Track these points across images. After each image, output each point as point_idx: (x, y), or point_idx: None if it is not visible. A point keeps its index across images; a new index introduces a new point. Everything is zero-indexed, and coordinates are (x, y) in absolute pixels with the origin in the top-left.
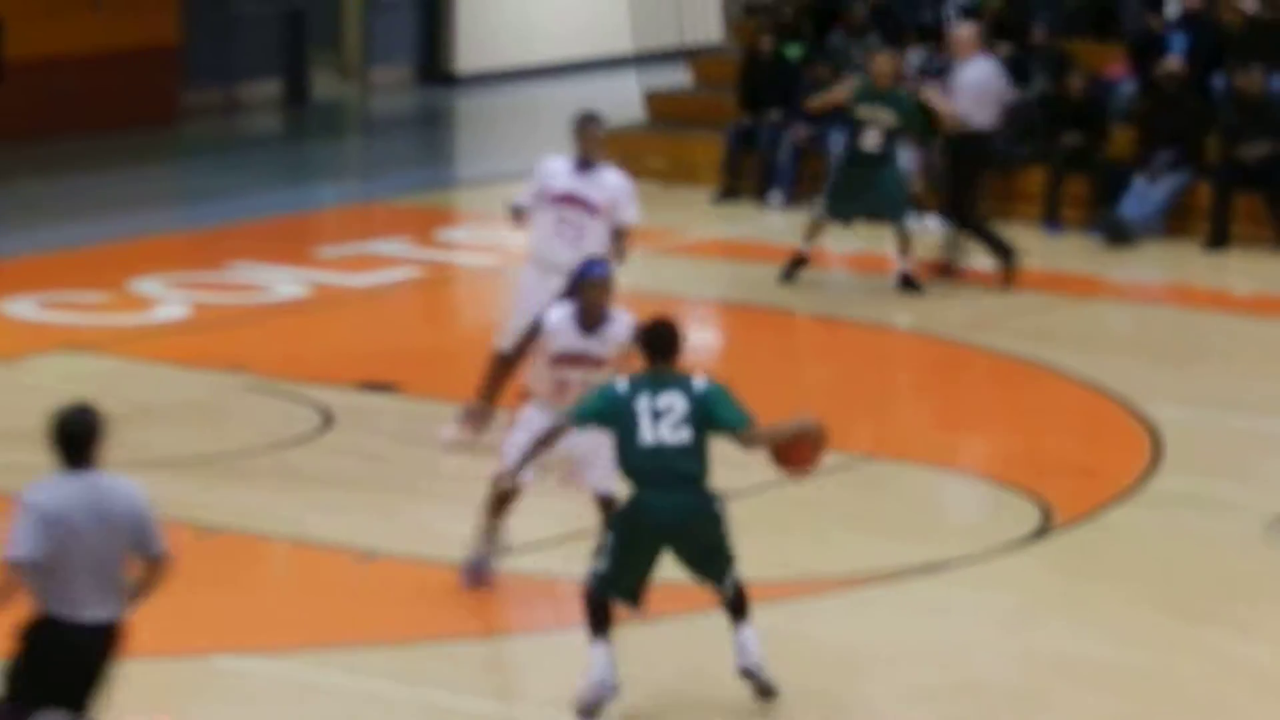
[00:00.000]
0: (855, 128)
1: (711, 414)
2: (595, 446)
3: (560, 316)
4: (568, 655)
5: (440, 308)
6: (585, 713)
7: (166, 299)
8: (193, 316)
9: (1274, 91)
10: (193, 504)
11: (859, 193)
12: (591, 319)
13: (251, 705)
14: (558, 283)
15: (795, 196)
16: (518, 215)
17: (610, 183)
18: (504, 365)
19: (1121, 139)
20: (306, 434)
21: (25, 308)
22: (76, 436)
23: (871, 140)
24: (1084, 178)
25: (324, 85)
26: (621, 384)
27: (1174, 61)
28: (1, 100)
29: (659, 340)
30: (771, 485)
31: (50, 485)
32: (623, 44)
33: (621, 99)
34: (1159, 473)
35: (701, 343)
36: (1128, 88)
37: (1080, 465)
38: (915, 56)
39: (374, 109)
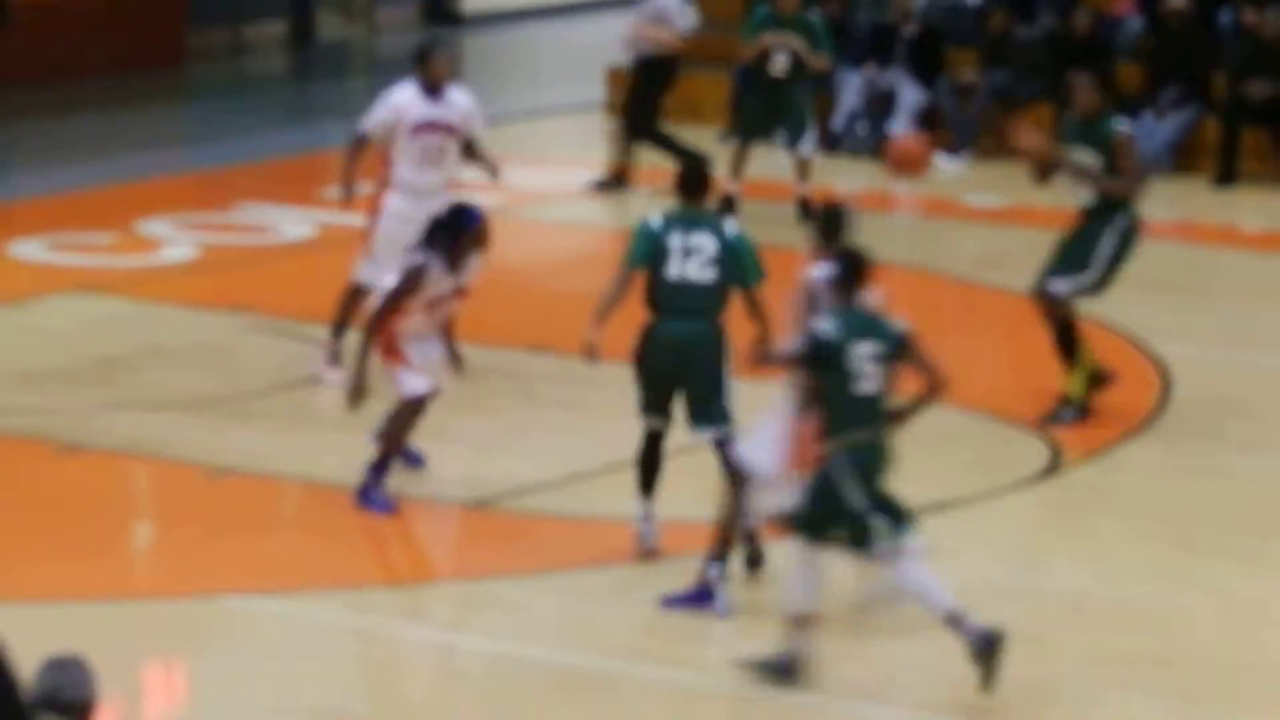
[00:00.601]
0: (762, 53)
1: (737, 261)
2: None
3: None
4: (571, 595)
5: None
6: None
7: (174, 240)
8: (200, 257)
9: None
10: (204, 445)
11: (766, 115)
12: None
13: (262, 645)
14: (429, 206)
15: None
16: (359, 143)
17: (460, 103)
18: (355, 296)
19: (1128, 76)
20: (316, 375)
21: (33, 249)
22: None
23: (779, 65)
24: None
25: (330, 25)
26: (656, 220)
27: None
28: (8, 44)
29: (693, 179)
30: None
31: None
32: None
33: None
34: (1167, 409)
35: None
36: (1134, 25)
37: (1090, 403)
38: None
39: (380, 49)
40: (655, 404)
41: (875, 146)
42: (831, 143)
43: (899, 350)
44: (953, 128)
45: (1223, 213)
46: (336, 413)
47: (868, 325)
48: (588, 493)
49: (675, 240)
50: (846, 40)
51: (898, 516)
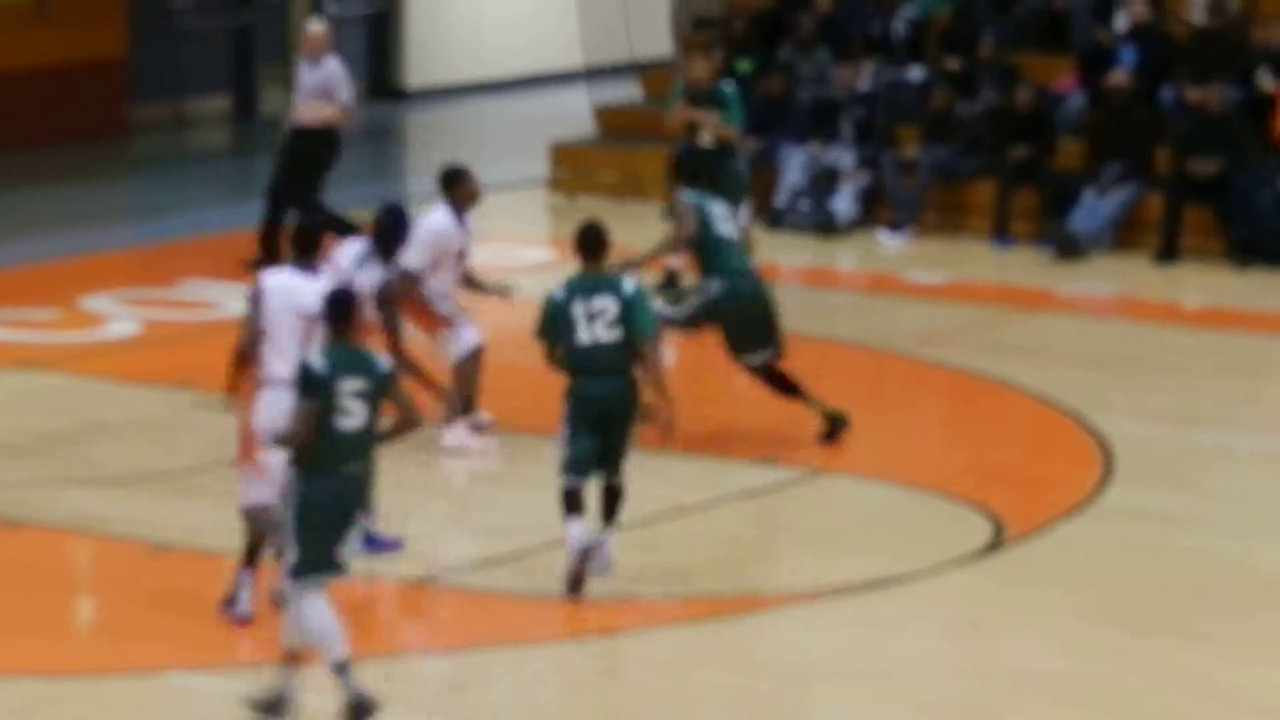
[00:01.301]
0: (690, 128)
1: (632, 316)
2: None
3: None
4: (526, 669)
5: None
6: (573, 584)
7: (117, 315)
8: (143, 333)
9: (1226, 106)
10: (145, 521)
11: (701, 190)
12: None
13: None
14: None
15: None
16: (410, 281)
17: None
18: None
19: (1071, 152)
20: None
21: None
22: None
23: (704, 138)
24: (1033, 191)
25: (273, 100)
26: (559, 291)
27: (1122, 74)
28: None
29: (591, 242)
30: (721, 500)
31: None
32: (573, 59)
33: (572, 113)
34: (1110, 486)
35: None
36: (1076, 100)
37: (1031, 478)
38: (866, 69)
39: None
40: (585, 466)
41: (819, 223)
42: (775, 219)
43: (383, 387)
44: (895, 204)
45: (1165, 289)
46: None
47: (356, 362)
48: (529, 569)
49: (579, 308)
50: (789, 116)
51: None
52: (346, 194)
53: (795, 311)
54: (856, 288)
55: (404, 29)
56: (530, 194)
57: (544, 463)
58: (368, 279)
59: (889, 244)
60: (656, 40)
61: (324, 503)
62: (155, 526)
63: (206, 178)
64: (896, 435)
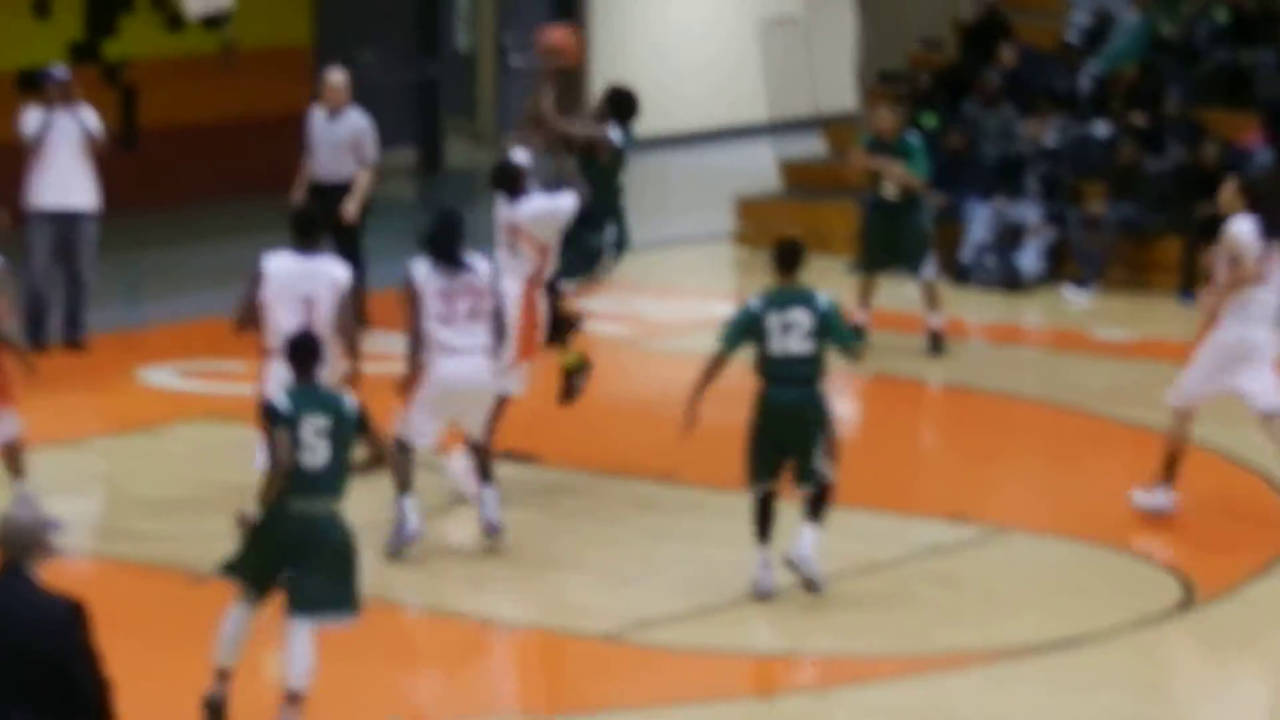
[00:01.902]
0: (874, 180)
1: (830, 329)
2: None
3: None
4: None
5: None
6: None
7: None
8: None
9: None
10: None
11: (885, 243)
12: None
13: None
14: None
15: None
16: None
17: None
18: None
19: None
20: (443, 505)
21: (165, 376)
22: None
23: (888, 189)
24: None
25: (458, 153)
26: (755, 301)
27: None
28: (135, 168)
29: (788, 256)
30: (910, 558)
31: None
32: (757, 112)
33: (756, 167)
34: None
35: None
36: (1263, 156)
37: (1220, 537)
38: (1052, 125)
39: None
40: (767, 474)
41: (1004, 279)
42: (960, 275)
43: (350, 426)
44: (1081, 260)
45: None
46: (478, 543)
47: (320, 400)
48: (715, 626)
49: (773, 319)
50: (974, 172)
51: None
52: None
53: (980, 367)
54: (1042, 344)
55: (587, 82)
56: (715, 248)
57: (724, 518)
58: None
59: (1075, 300)
60: (841, 94)
61: (274, 534)
62: None
63: (392, 230)
64: (1082, 493)
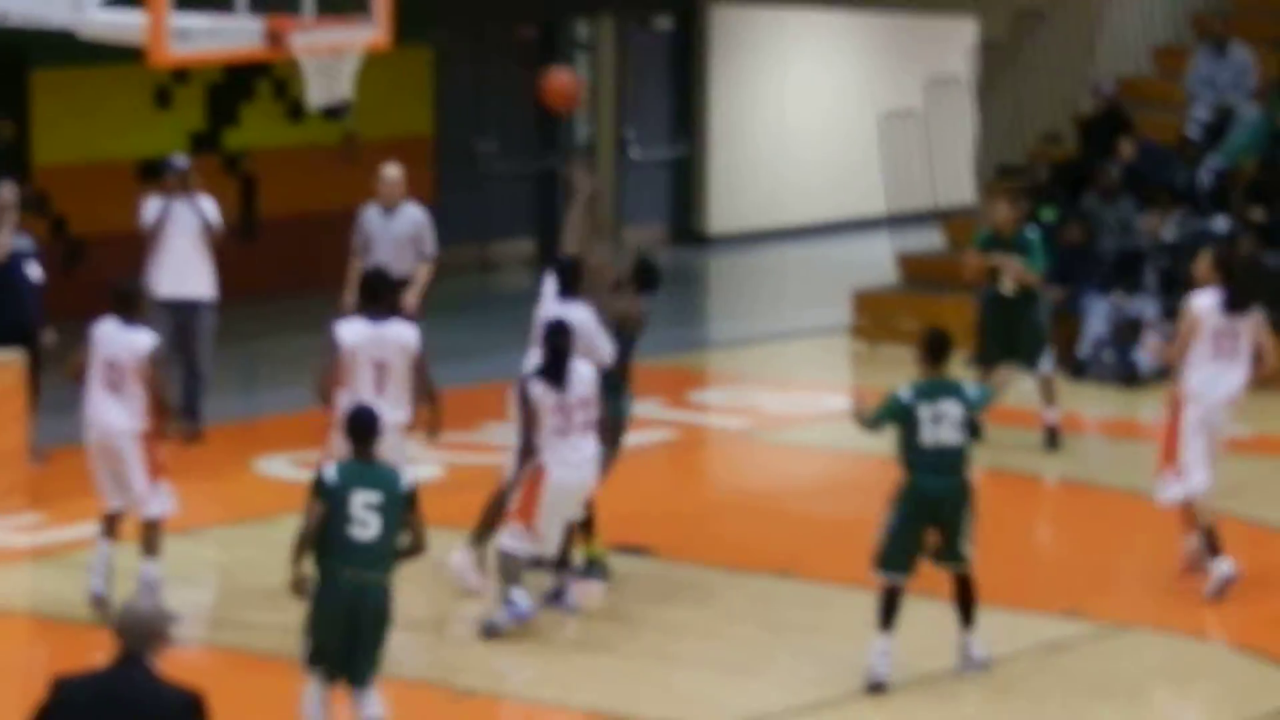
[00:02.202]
0: (992, 274)
1: (974, 414)
2: None
3: None
4: None
5: (692, 470)
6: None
7: (419, 458)
8: (445, 477)
9: None
10: (448, 666)
11: (1003, 338)
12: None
13: None
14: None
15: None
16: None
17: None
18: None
19: None
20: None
21: (280, 466)
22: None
23: (1006, 284)
24: None
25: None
26: (906, 392)
27: None
28: (254, 258)
29: (936, 346)
30: (1024, 654)
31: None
32: (874, 205)
33: (874, 260)
34: None
35: None
36: None
37: None
38: (1170, 220)
39: (627, 269)
40: (904, 563)
41: (1121, 374)
42: (1077, 370)
43: (400, 502)
44: None
45: None
46: (589, 635)
47: (372, 475)
48: (829, 718)
49: (924, 410)
50: (1092, 266)
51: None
52: (648, 340)
53: (1099, 463)
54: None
55: (706, 175)
56: (831, 341)
57: (840, 611)
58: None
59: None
60: (960, 188)
61: (332, 607)
62: (459, 671)
63: (509, 321)
64: (1198, 589)
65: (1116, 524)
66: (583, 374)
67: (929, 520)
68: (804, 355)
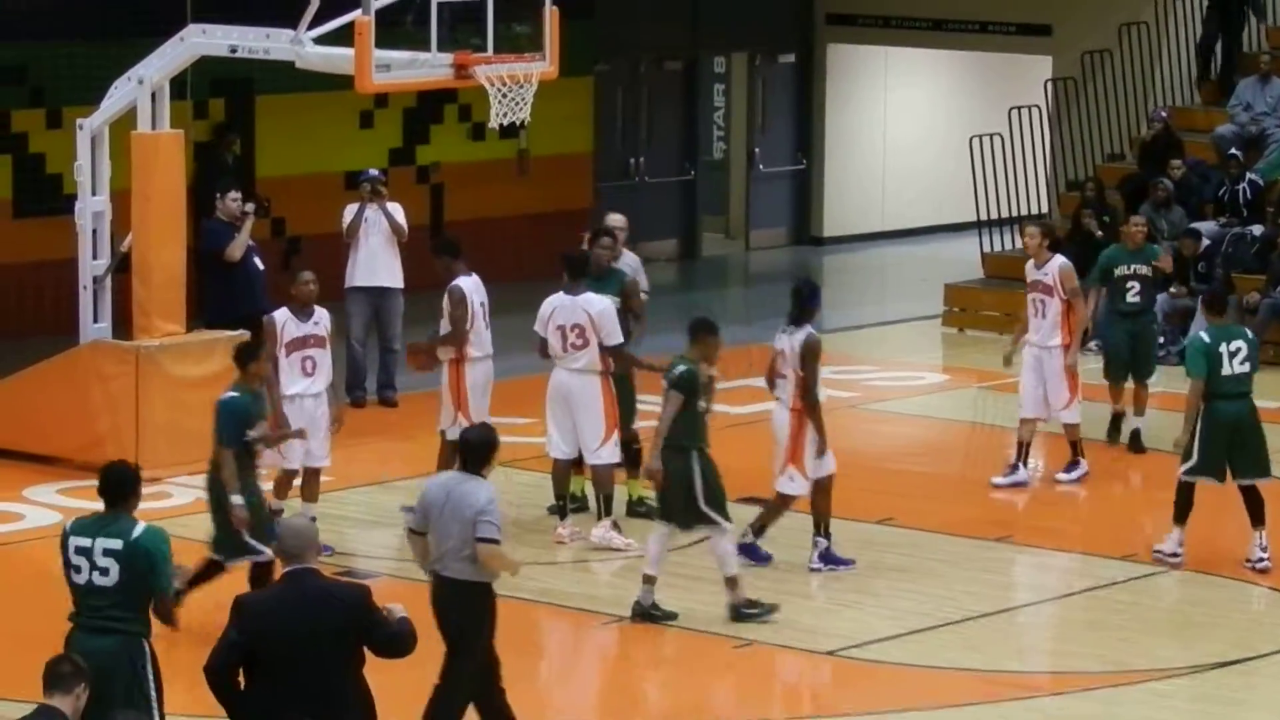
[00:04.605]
0: (1116, 286)
1: (1256, 353)
2: None
3: None
4: None
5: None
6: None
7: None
8: None
9: None
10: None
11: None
12: None
13: None
14: None
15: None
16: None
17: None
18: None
19: None
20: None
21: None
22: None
23: (1132, 294)
24: None
25: (713, 244)
26: (1204, 337)
27: None
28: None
29: (1218, 299)
30: (1090, 590)
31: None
32: (966, 212)
33: (963, 258)
34: None
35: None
36: None
37: None
38: (1211, 224)
39: (754, 265)
40: (1213, 470)
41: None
42: None
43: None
44: None
45: None
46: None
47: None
48: (924, 646)
49: (1223, 347)
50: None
51: None
52: (773, 326)
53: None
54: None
55: (822, 185)
56: (926, 327)
57: (933, 556)
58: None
59: None
60: (1037, 197)
61: None
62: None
63: (656, 309)
64: (1241, 541)
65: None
66: None
67: (1228, 437)
68: (902, 339)
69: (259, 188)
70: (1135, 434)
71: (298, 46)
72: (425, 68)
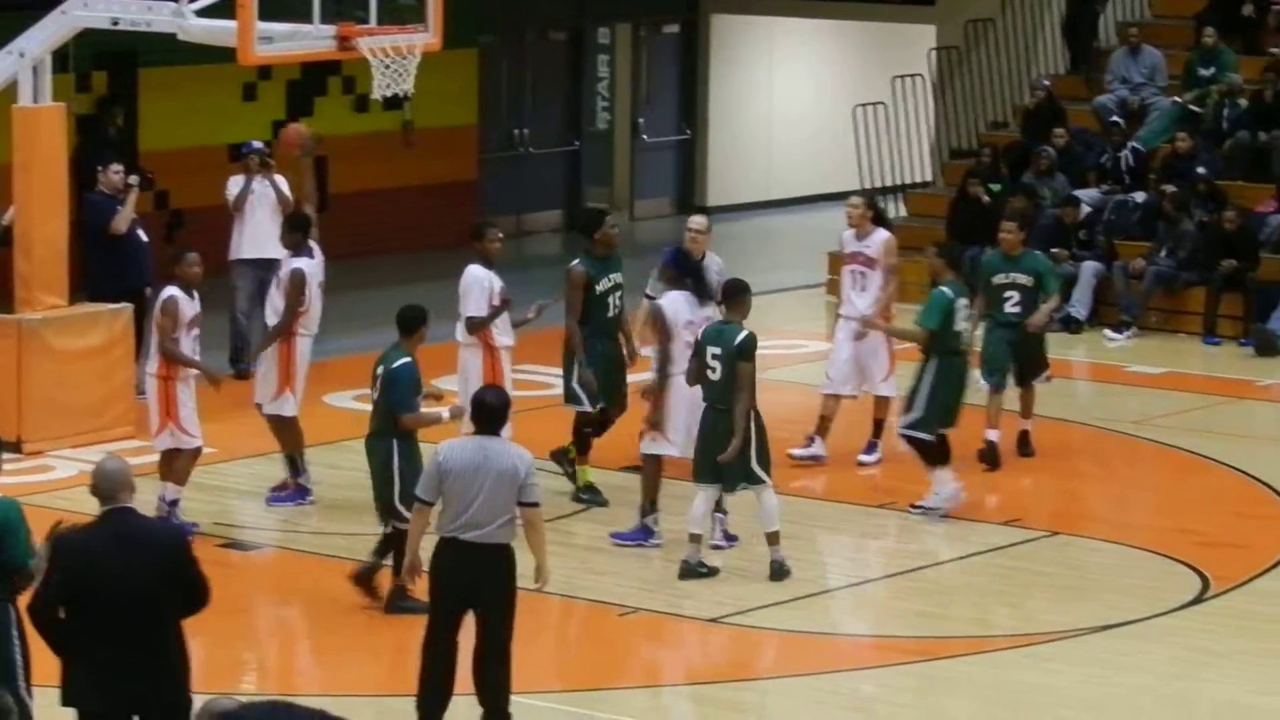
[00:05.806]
0: (994, 294)
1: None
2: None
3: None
4: (781, 697)
5: None
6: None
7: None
8: None
9: None
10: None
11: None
12: None
13: None
14: None
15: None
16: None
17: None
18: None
19: (1270, 265)
20: (580, 509)
21: (343, 399)
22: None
23: (1011, 304)
24: (1238, 297)
25: None
26: (948, 291)
27: None
28: (326, 226)
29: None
30: (972, 556)
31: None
32: (849, 181)
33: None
34: None
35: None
36: (1276, 220)
37: (1234, 541)
38: (1094, 192)
39: (639, 234)
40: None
41: (1064, 323)
42: None
43: None
44: (1121, 307)
45: None
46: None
47: None
48: (807, 612)
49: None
50: (1035, 233)
51: None
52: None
53: (1038, 398)
54: (1086, 377)
55: (705, 155)
56: (808, 295)
57: (818, 525)
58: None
59: (1115, 339)
60: (920, 167)
61: None
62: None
63: (540, 280)
64: (1120, 503)
65: (1051, 449)
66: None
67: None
68: (784, 307)
69: (142, 161)
70: (1024, 435)
71: (180, 19)
72: (308, 39)
